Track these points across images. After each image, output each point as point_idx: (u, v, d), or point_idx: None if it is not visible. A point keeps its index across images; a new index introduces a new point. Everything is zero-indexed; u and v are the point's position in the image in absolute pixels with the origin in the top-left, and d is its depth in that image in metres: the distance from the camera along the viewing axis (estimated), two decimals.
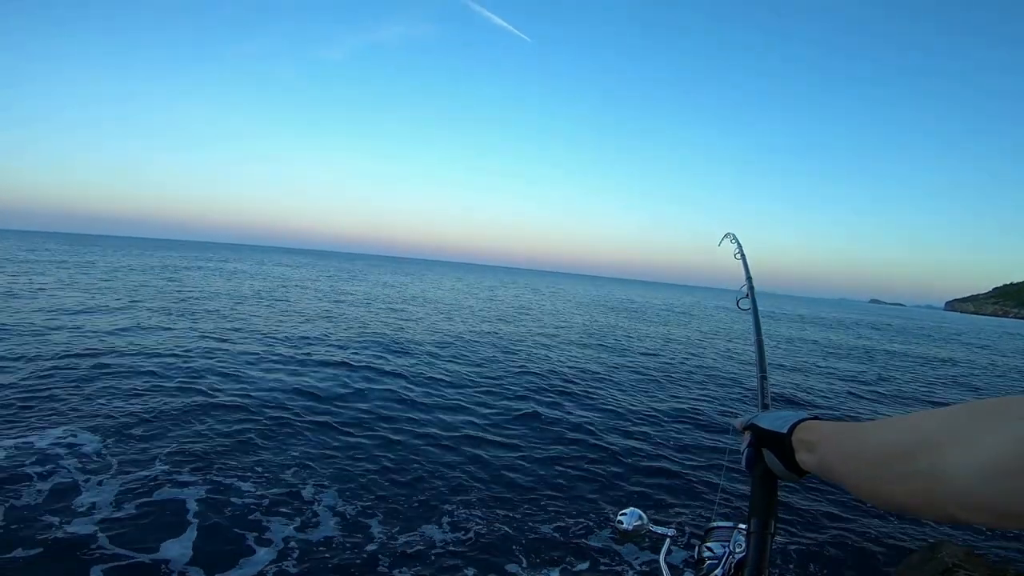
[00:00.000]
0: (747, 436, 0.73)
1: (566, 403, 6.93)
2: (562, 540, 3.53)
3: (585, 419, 6.26)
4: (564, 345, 12.30)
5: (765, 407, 0.96)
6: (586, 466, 4.83)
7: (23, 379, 5.86)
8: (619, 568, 3.25)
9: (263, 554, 3.07)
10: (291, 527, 3.38)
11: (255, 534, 3.26)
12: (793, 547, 3.65)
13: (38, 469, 3.77)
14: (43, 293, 13.34)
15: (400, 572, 3.04)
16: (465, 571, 3.12)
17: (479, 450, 5.01)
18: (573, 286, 65.50)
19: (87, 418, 4.84)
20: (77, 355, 7.08)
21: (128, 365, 6.82)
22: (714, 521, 0.88)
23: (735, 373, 10.39)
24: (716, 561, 0.82)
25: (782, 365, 12.32)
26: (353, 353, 8.98)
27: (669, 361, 11.24)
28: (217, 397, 5.82)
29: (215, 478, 3.91)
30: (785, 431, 0.64)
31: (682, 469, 4.90)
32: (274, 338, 9.71)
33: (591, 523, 3.77)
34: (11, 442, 4.15)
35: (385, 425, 5.48)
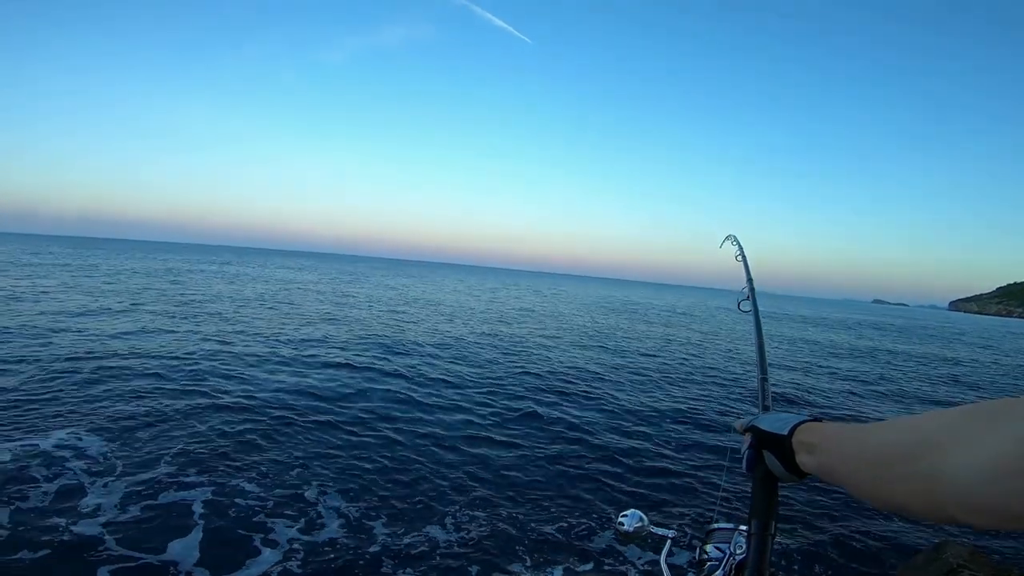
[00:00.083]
0: (747, 438, 0.73)
1: (567, 403, 6.94)
2: (564, 540, 3.54)
3: (586, 419, 6.26)
4: (565, 346, 12.30)
5: (766, 409, 0.96)
6: (587, 466, 4.83)
7: (27, 381, 5.89)
8: (621, 569, 3.26)
9: (269, 555, 3.09)
10: (296, 528, 3.39)
11: (261, 535, 3.28)
12: (795, 548, 3.65)
13: (44, 471, 3.79)
14: (47, 296, 13.39)
15: (404, 573, 3.05)
16: (469, 570, 3.13)
17: (481, 450, 5.03)
18: (575, 287, 65.47)
19: (91, 420, 4.86)
20: (81, 357, 7.11)
21: (131, 367, 6.85)
22: (715, 523, 0.88)
23: (736, 374, 10.38)
24: (717, 563, 0.82)
25: (784, 366, 12.30)
26: (355, 355, 9.00)
27: (670, 362, 11.23)
28: (220, 399, 5.84)
29: (220, 479, 3.93)
30: (785, 433, 0.64)
31: (683, 470, 4.90)
32: (277, 340, 9.74)
33: (593, 524, 3.77)
34: (16, 444, 4.17)
35: (388, 425, 5.50)
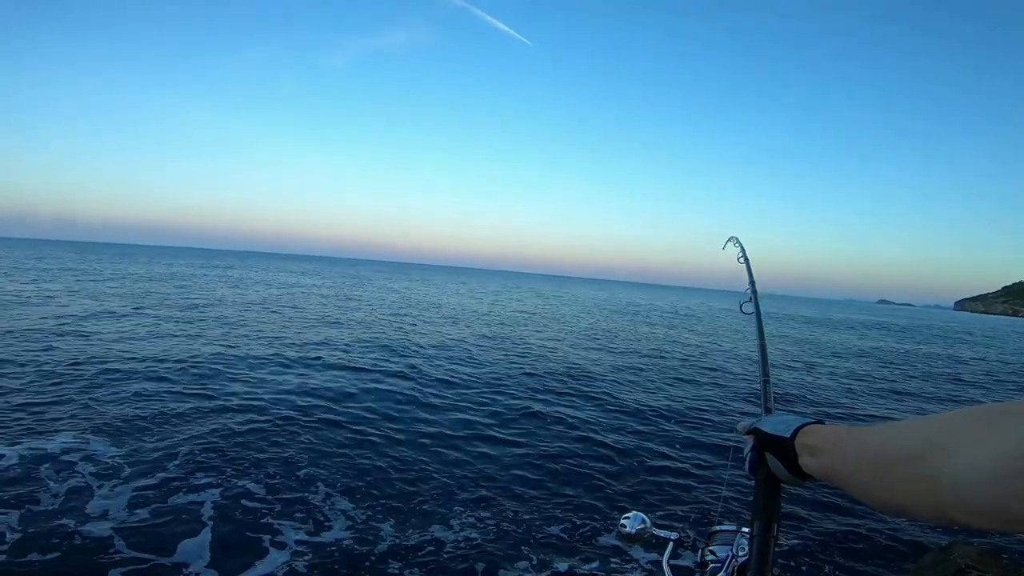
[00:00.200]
0: (750, 440, 0.73)
1: (569, 404, 6.94)
2: (567, 541, 3.55)
3: (588, 420, 6.27)
4: (568, 347, 12.29)
5: (768, 411, 0.96)
6: (590, 466, 4.84)
7: (34, 385, 5.94)
8: (623, 570, 3.26)
9: (277, 556, 3.11)
10: (303, 529, 3.42)
11: (268, 536, 3.30)
12: (799, 550, 3.65)
13: (52, 473, 3.83)
14: (52, 300, 13.48)
15: (411, 573, 3.07)
16: (475, 568, 3.15)
17: (484, 450, 5.05)
18: (578, 289, 65.41)
19: (98, 423, 4.90)
20: (86, 361, 7.15)
21: (136, 370, 6.89)
22: (717, 524, 0.88)
23: (739, 376, 10.35)
24: (719, 564, 0.81)
25: (788, 366, 12.26)
26: (359, 356, 9.03)
27: (673, 363, 11.21)
28: (226, 401, 5.87)
29: (227, 480, 3.96)
30: (788, 435, 0.64)
31: (686, 472, 4.90)
32: (281, 343, 9.77)
33: (596, 524, 3.78)
34: (24, 447, 4.21)
35: (392, 425, 5.53)
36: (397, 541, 3.36)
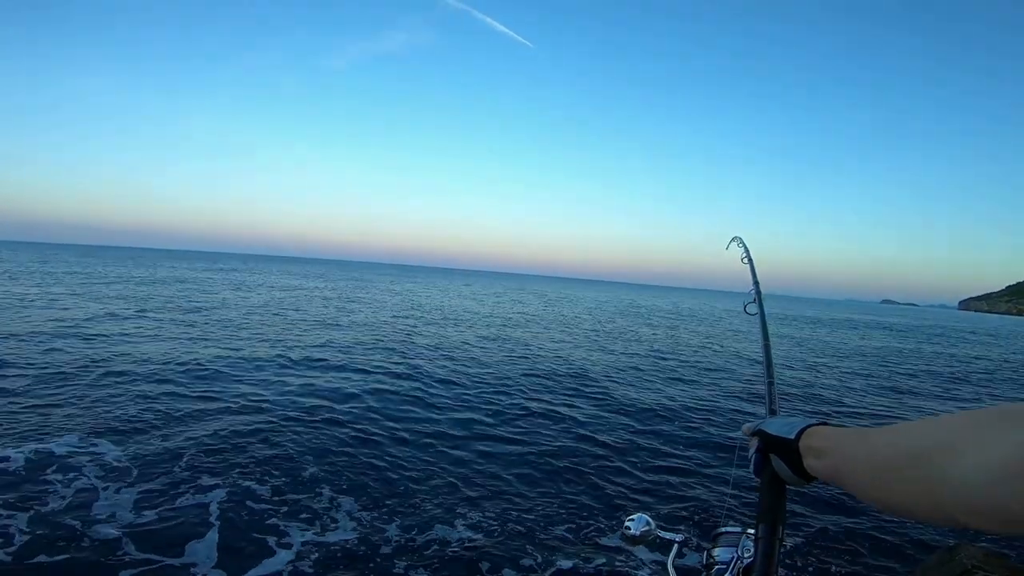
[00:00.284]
0: (755, 442, 0.74)
1: (572, 404, 6.94)
2: (572, 541, 3.55)
3: (592, 420, 6.28)
4: (571, 348, 12.30)
5: (773, 412, 0.96)
6: (594, 466, 4.85)
7: (39, 387, 5.97)
8: (628, 571, 3.26)
9: (283, 556, 3.13)
10: (310, 529, 3.43)
11: (275, 537, 3.31)
12: (804, 552, 3.64)
13: (59, 475, 3.85)
14: (56, 303, 13.55)
15: (416, 572, 3.08)
16: (480, 567, 3.16)
17: (488, 450, 5.06)
18: (580, 291, 65.37)
19: (104, 425, 4.92)
20: (90, 363, 7.19)
21: (141, 372, 6.92)
22: (722, 526, 0.88)
23: (743, 376, 10.33)
24: (724, 566, 0.81)
25: (792, 367, 12.24)
26: (362, 357, 9.06)
27: (676, 365, 11.20)
28: (231, 402, 5.90)
29: (233, 481, 3.97)
30: (793, 437, 0.64)
31: (690, 474, 4.90)
32: (285, 345, 9.81)
33: (601, 524, 3.79)
34: (31, 449, 4.23)
35: (396, 425, 5.55)
36: (401, 541, 3.38)
